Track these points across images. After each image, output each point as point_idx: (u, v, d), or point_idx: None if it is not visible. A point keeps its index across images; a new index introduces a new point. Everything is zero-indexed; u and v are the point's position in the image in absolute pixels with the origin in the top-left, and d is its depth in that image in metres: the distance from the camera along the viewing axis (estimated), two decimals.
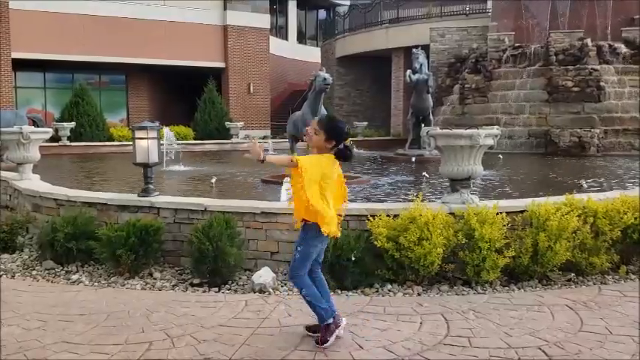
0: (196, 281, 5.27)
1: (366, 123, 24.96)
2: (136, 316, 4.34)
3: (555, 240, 5.07)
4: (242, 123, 22.41)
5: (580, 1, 20.82)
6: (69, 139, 18.32)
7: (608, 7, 20.58)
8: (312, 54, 32.94)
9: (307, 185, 3.60)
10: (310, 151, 3.88)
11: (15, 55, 20.18)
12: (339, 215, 3.82)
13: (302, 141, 8.60)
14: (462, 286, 5.08)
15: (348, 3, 33.23)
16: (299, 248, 3.75)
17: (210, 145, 20.46)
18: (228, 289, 5.10)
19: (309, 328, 3.89)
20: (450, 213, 5.32)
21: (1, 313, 4.37)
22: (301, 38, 35.13)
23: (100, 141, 19.04)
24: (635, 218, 5.43)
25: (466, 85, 19.62)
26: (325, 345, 3.70)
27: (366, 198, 7.79)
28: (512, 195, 7.87)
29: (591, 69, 17.84)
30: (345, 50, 28.34)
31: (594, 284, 5.19)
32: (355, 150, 15.50)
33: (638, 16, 20.37)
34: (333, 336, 3.75)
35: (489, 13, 22.80)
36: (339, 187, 3.86)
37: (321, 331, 3.76)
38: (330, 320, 3.76)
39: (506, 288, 5.07)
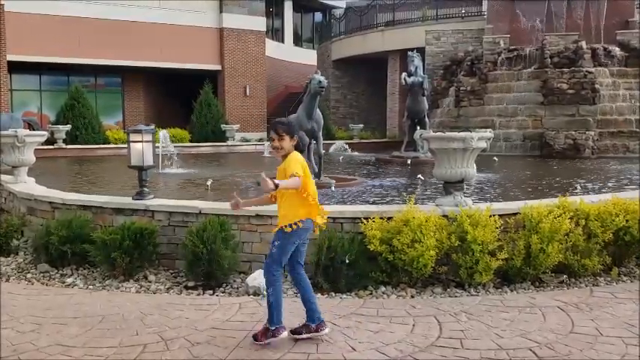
0: (191, 284, 5.30)
1: (361, 125, 25.05)
2: (131, 319, 4.36)
3: (548, 242, 5.11)
4: (238, 125, 22.44)
5: (575, 4, 20.92)
6: (65, 141, 18.32)
7: (603, 10, 20.68)
8: (308, 56, 32.96)
9: (308, 184, 3.74)
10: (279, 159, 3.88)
11: (10, 57, 20.14)
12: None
13: None
14: (455, 288, 5.11)
15: (344, 6, 33.30)
16: (276, 243, 3.79)
17: (206, 147, 20.50)
18: (223, 292, 5.13)
19: (293, 331, 3.91)
20: (444, 215, 5.36)
21: (1, 315, 4.40)
22: (297, 41, 35.15)
23: (96, 144, 19.03)
24: (627, 220, 5.47)
25: (461, 88, 19.66)
26: (259, 342, 3.78)
27: (361, 200, 7.82)
28: (506, 197, 7.91)
29: (586, 71, 17.91)
30: (341, 53, 28.40)
31: (586, 286, 5.23)
32: (350, 152, 15.49)
33: (632, 19, 20.47)
34: (269, 340, 3.80)
35: (485, 16, 22.88)
36: None
37: (262, 331, 3.83)
38: (273, 327, 3.82)
39: (499, 290, 5.11)
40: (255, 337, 3.84)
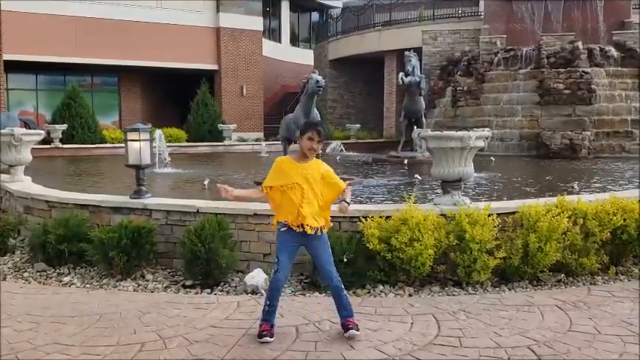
0: (189, 283, 5.28)
1: (358, 125, 25.03)
2: (128, 318, 4.35)
3: (546, 241, 5.12)
4: (235, 125, 22.41)
5: (571, 5, 20.97)
6: (61, 141, 18.26)
7: (599, 11, 20.74)
8: (305, 56, 32.97)
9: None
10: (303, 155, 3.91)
11: (7, 56, 20.04)
12: None
13: (295, 143, 8.58)
14: (453, 287, 5.12)
15: (341, 5, 33.30)
16: (329, 251, 3.96)
17: (202, 147, 20.47)
18: (221, 291, 5.12)
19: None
20: (442, 214, 5.36)
21: (0, 314, 4.38)
22: (294, 40, 35.16)
23: (93, 143, 18.98)
24: (625, 220, 5.49)
25: (458, 88, 19.68)
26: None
27: (358, 200, 7.81)
28: (504, 196, 7.91)
29: (582, 72, 17.95)
30: (337, 53, 28.40)
31: (584, 285, 5.24)
32: (348, 152, 15.49)
33: (628, 20, 20.53)
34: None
35: (481, 16, 22.91)
36: None
37: (353, 320, 3.93)
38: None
39: (497, 289, 5.11)
40: (352, 327, 3.88)
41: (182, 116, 22.90)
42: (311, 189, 3.81)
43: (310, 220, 3.79)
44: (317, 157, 3.94)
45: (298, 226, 3.80)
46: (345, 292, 3.96)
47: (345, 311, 3.92)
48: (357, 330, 3.86)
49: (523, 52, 19.55)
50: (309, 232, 3.79)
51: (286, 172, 3.84)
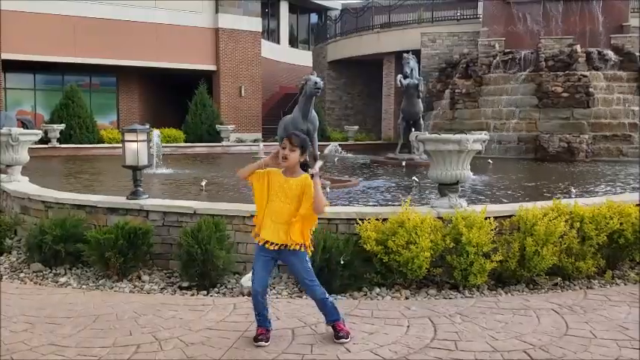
0: (185, 284, 5.28)
1: (357, 127, 25.05)
2: (124, 319, 4.34)
3: (542, 245, 5.12)
4: (233, 126, 22.42)
5: (570, 8, 21.00)
6: (58, 141, 18.25)
7: (598, 14, 20.78)
8: (303, 57, 32.97)
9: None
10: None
11: (5, 56, 20.07)
12: None
13: None
14: (449, 290, 5.11)
15: (340, 7, 33.32)
16: (308, 266, 3.82)
17: (200, 148, 20.46)
18: (217, 293, 5.12)
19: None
20: (439, 217, 5.37)
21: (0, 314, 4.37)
22: (293, 42, 35.16)
23: (90, 143, 18.96)
24: (621, 223, 5.49)
25: (457, 90, 19.70)
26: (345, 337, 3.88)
27: (355, 201, 7.81)
28: (501, 199, 7.91)
29: (580, 75, 17.98)
30: (336, 54, 28.41)
31: (580, 288, 5.24)
32: (345, 154, 15.44)
33: (626, 24, 20.58)
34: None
35: (480, 19, 22.94)
36: None
37: (342, 326, 3.90)
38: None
39: (494, 292, 5.11)
40: (342, 336, 3.85)
41: (180, 117, 22.88)
42: (287, 204, 3.67)
43: (271, 235, 3.69)
44: (305, 167, 3.77)
45: (259, 239, 3.77)
46: (329, 299, 3.89)
47: (331, 316, 3.89)
48: (346, 337, 3.85)
49: (521, 55, 19.57)
50: (268, 247, 3.72)
51: (272, 180, 3.71)
